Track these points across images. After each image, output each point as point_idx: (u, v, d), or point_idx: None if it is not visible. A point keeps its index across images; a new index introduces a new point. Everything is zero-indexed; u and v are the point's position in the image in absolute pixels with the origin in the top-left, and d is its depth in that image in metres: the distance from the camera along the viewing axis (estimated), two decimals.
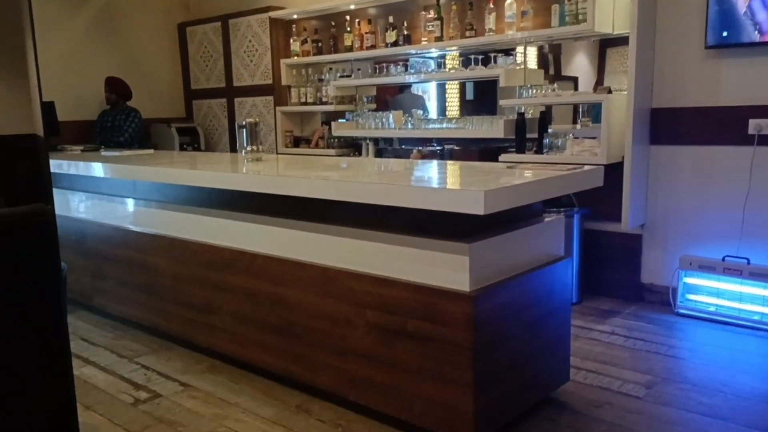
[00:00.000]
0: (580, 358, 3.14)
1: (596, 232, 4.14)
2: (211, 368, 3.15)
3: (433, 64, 5.14)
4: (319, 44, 5.48)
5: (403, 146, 5.06)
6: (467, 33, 4.48)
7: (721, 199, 3.69)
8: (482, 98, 6.02)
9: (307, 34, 5.54)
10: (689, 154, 3.78)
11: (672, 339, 3.41)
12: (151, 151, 4.87)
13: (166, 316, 3.43)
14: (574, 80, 5.60)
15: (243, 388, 2.91)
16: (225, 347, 3.12)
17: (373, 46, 5.05)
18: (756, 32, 3.41)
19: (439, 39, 4.61)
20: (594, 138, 3.92)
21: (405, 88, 5.73)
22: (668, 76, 3.79)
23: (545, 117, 4.25)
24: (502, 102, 4.39)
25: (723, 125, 3.63)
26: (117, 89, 5.71)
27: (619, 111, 3.78)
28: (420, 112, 5.07)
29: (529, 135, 4.20)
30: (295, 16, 5.60)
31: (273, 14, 5.59)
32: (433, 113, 6.03)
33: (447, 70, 5.02)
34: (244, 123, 3.33)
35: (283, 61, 5.66)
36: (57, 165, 3.75)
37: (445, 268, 2.23)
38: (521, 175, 2.50)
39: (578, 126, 4.46)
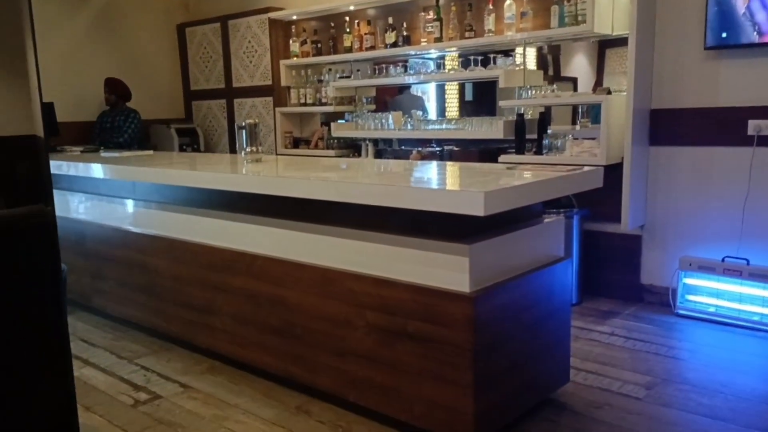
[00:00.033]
0: (580, 359, 3.14)
1: (596, 233, 4.14)
2: (211, 369, 3.15)
3: (432, 65, 5.14)
4: (319, 45, 5.48)
5: (403, 147, 5.05)
6: (467, 34, 4.48)
7: (720, 200, 3.69)
8: (481, 99, 6.02)
9: (307, 35, 5.55)
10: (689, 154, 3.78)
11: (672, 340, 3.41)
12: (151, 152, 4.87)
13: (165, 317, 3.42)
14: (574, 81, 5.59)
15: (243, 389, 2.91)
16: (225, 348, 3.12)
17: (372, 47, 5.05)
18: (755, 33, 3.41)
19: (439, 40, 4.61)
20: (593, 139, 3.92)
21: (404, 89, 5.73)
22: (667, 77, 3.79)
23: (545, 118, 4.25)
24: (501, 103, 4.39)
25: (722, 126, 3.63)
26: (116, 90, 5.71)
27: (619, 112, 3.78)
28: (419, 113, 5.07)
29: (528, 136, 4.20)
30: (294, 17, 5.60)
31: (272, 15, 5.59)
32: (432, 114, 6.03)
33: (446, 71, 5.02)
34: (243, 124, 3.33)
35: (283, 62, 5.66)
36: (56, 166, 3.75)
37: (445, 269, 2.23)
38: (521, 176, 2.50)
39: (577, 127, 4.46)
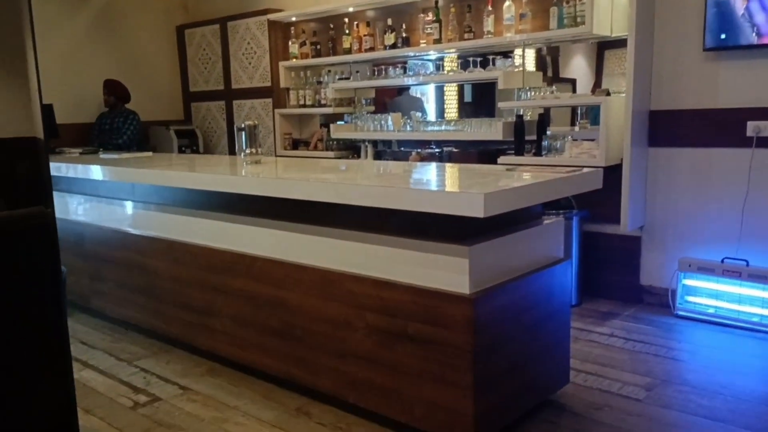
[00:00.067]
0: (580, 360, 3.14)
1: (595, 234, 4.14)
2: (210, 371, 3.14)
3: (431, 67, 5.14)
4: (318, 46, 5.49)
5: (402, 148, 5.05)
6: (466, 35, 4.48)
7: (719, 201, 3.69)
8: (480, 100, 6.02)
9: (306, 37, 5.55)
10: (688, 156, 3.79)
11: (671, 341, 3.41)
12: (150, 153, 4.86)
13: (165, 319, 3.42)
14: (572, 82, 5.59)
15: (243, 391, 2.91)
16: (225, 350, 3.12)
17: (371, 49, 5.05)
18: (754, 34, 3.41)
19: (438, 41, 4.61)
20: (592, 140, 3.92)
21: (403, 90, 5.73)
22: (666, 79, 3.80)
23: (544, 119, 4.26)
24: (500, 104, 4.39)
25: (721, 127, 3.63)
26: (115, 92, 5.71)
27: (618, 113, 3.78)
28: (418, 114, 5.07)
29: (527, 137, 4.20)
30: (293, 19, 5.60)
31: (271, 17, 5.59)
32: (431, 115, 6.03)
33: (445, 72, 5.02)
34: (243, 126, 3.33)
35: (282, 64, 5.66)
36: (56, 168, 3.74)
37: (445, 271, 2.23)
38: (520, 178, 2.50)
39: (577, 128, 4.46)
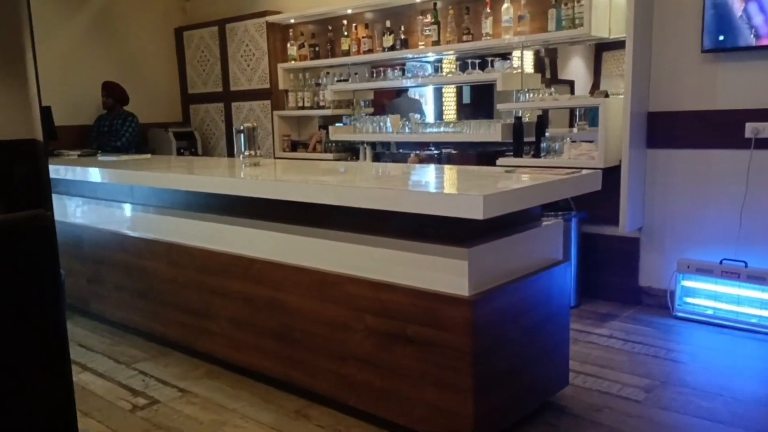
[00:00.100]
0: (579, 362, 3.14)
1: (594, 235, 4.14)
2: (209, 374, 3.14)
3: (430, 68, 5.14)
4: (316, 48, 5.49)
5: (401, 150, 5.06)
6: (464, 37, 4.49)
7: (718, 203, 3.70)
8: (479, 102, 6.03)
9: (304, 39, 5.55)
10: (686, 157, 3.79)
11: (670, 342, 3.42)
12: (149, 155, 4.86)
13: (163, 322, 3.42)
14: (571, 84, 5.60)
15: (241, 393, 2.90)
16: (223, 353, 3.11)
17: (370, 51, 5.05)
18: (752, 36, 3.42)
19: (436, 43, 4.62)
20: (591, 141, 3.93)
21: (402, 92, 5.73)
22: (665, 80, 3.80)
23: (542, 121, 4.26)
24: (499, 106, 4.39)
25: (720, 129, 3.64)
26: (114, 94, 5.71)
27: (616, 115, 3.79)
28: (417, 116, 5.07)
29: (526, 139, 4.20)
30: (292, 21, 5.60)
31: (270, 19, 5.59)
32: (430, 117, 6.04)
33: (444, 74, 5.02)
34: (241, 128, 3.33)
35: (280, 66, 5.66)
36: (54, 170, 3.73)
37: (445, 273, 2.23)
38: (519, 180, 2.50)
39: (575, 130, 4.47)
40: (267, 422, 2.63)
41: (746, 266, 3.56)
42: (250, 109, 5.94)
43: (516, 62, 4.53)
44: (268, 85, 5.74)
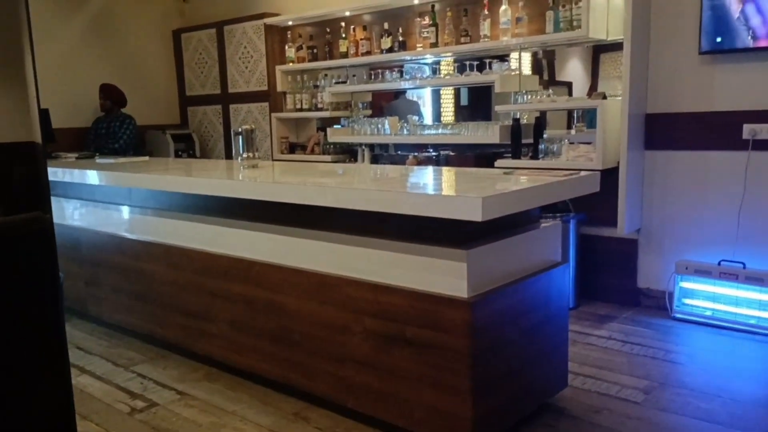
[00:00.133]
0: (578, 364, 3.14)
1: (592, 237, 4.15)
2: (207, 376, 3.13)
3: (428, 70, 5.15)
4: (314, 50, 5.49)
5: (399, 152, 5.06)
6: (462, 39, 4.49)
7: (716, 204, 3.70)
8: (477, 104, 6.03)
9: (302, 41, 5.55)
10: (684, 159, 3.80)
11: (669, 344, 3.42)
12: (147, 158, 4.85)
13: (162, 324, 3.41)
14: (568, 85, 5.61)
15: (240, 396, 2.90)
16: (222, 355, 3.11)
17: (368, 53, 5.06)
18: (750, 38, 3.43)
19: (434, 45, 4.62)
20: (589, 143, 3.93)
21: (400, 94, 5.73)
22: (662, 82, 3.81)
23: (540, 122, 4.26)
24: (497, 108, 4.40)
25: (717, 130, 3.64)
26: (111, 96, 5.70)
27: (614, 116, 3.79)
28: (415, 118, 5.07)
29: (524, 140, 4.21)
30: (290, 23, 5.60)
31: (268, 21, 5.60)
32: (428, 119, 6.03)
33: (442, 76, 5.02)
34: (240, 130, 3.33)
35: (279, 68, 5.66)
36: (52, 172, 3.73)
37: (443, 275, 2.23)
38: (518, 181, 2.51)
39: (573, 131, 4.48)
40: (266, 424, 2.62)
41: (744, 267, 3.56)
42: (248, 111, 5.94)
43: (514, 64, 4.53)
44: (266, 87, 5.74)
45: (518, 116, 4.25)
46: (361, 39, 5.07)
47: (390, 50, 4.90)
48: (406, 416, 2.39)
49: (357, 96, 5.35)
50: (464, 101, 6.27)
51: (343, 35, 5.19)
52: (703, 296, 3.72)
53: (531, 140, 4.19)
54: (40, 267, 1.36)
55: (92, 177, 3.59)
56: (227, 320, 3.03)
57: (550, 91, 4.31)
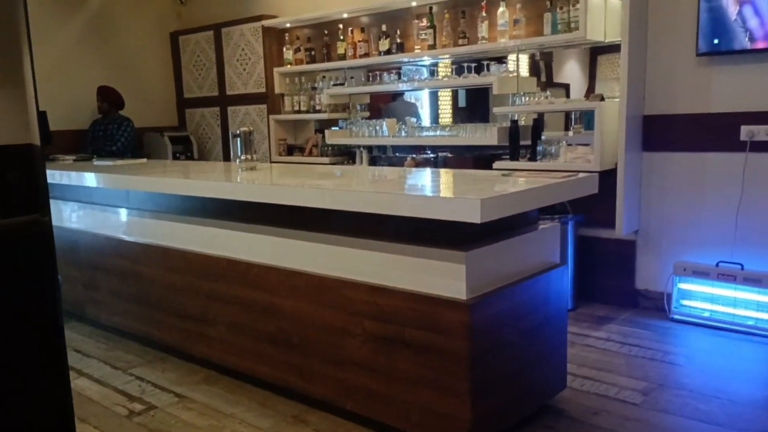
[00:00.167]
0: (577, 365, 3.14)
1: (590, 238, 4.15)
2: (206, 379, 3.13)
3: (426, 72, 5.15)
4: (312, 52, 5.49)
5: (397, 154, 5.06)
6: (460, 41, 4.50)
7: (714, 205, 3.71)
8: (475, 106, 6.03)
9: (300, 43, 5.55)
10: (682, 160, 3.80)
11: (667, 345, 3.42)
12: (144, 160, 4.85)
13: (160, 327, 3.40)
14: (566, 87, 5.61)
15: (239, 398, 2.89)
16: (220, 358, 3.10)
17: (366, 55, 5.06)
18: (747, 39, 3.43)
19: (432, 47, 4.63)
20: (587, 145, 3.93)
21: (398, 95, 5.73)
22: (660, 84, 3.82)
23: (538, 124, 4.27)
24: (495, 109, 4.40)
25: (715, 132, 3.65)
26: (109, 98, 5.70)
27: (612, 118, 3.80)
28: (413, 119, 5.08)
29: (522, 142, 4.21)
30: (288, 25, 5.60)
31: (266, 23, 5.60)
32: (426, 121, 6.03)
33: (440, 77, 5.03)
34: (238, 132, 3.33)
35: (276, 70, 5.66)
36: (49, 175, 3.69)
37: (442, 277, 2.23)
38: (516, 183, 2.51)
39: (571, 133, 4.48)
40: (265, 427, 2.62)
41: (742, 269, 3.57)
42: (246, 113, 5.94)
43: (512, 66, 4.54)
44: (264, 89, 5.74)
45: (516, 118, 4.26)
46: (359, 41, 5.08)
47: (388, 52, 4.90)
48: (404, 418, 2.39)
49: (355, 98, 5.35)
50: (462, 103, 6.27)
51: (341, 37, 5.19)
52: (701, 297, 3.73)
53: (529, 142, 4.19)
54: (39, 270, 1.36)
55: (90, 179, 3.58)
56: (225, 323, 3.02)
57: (548, 92, 4.31)
